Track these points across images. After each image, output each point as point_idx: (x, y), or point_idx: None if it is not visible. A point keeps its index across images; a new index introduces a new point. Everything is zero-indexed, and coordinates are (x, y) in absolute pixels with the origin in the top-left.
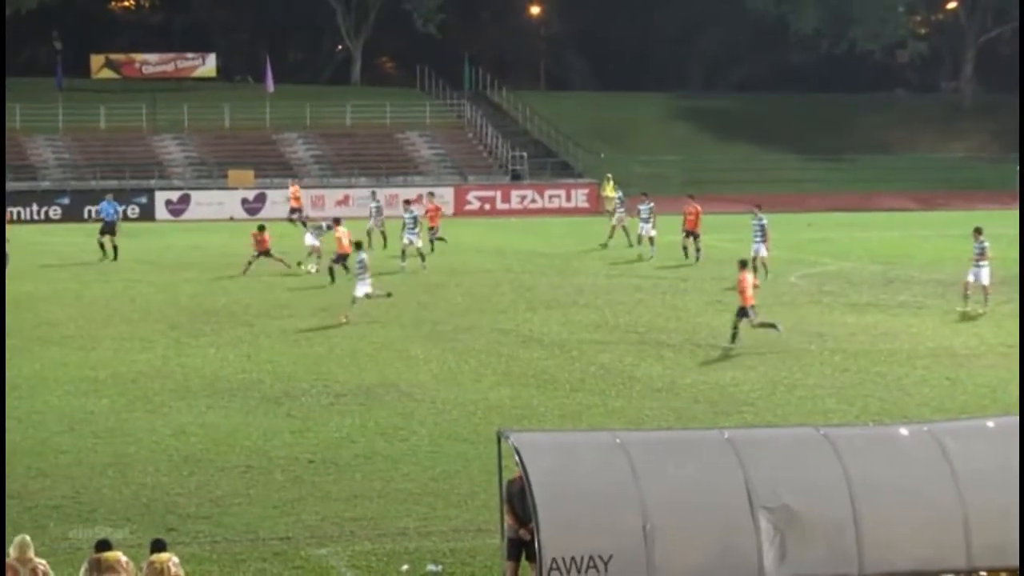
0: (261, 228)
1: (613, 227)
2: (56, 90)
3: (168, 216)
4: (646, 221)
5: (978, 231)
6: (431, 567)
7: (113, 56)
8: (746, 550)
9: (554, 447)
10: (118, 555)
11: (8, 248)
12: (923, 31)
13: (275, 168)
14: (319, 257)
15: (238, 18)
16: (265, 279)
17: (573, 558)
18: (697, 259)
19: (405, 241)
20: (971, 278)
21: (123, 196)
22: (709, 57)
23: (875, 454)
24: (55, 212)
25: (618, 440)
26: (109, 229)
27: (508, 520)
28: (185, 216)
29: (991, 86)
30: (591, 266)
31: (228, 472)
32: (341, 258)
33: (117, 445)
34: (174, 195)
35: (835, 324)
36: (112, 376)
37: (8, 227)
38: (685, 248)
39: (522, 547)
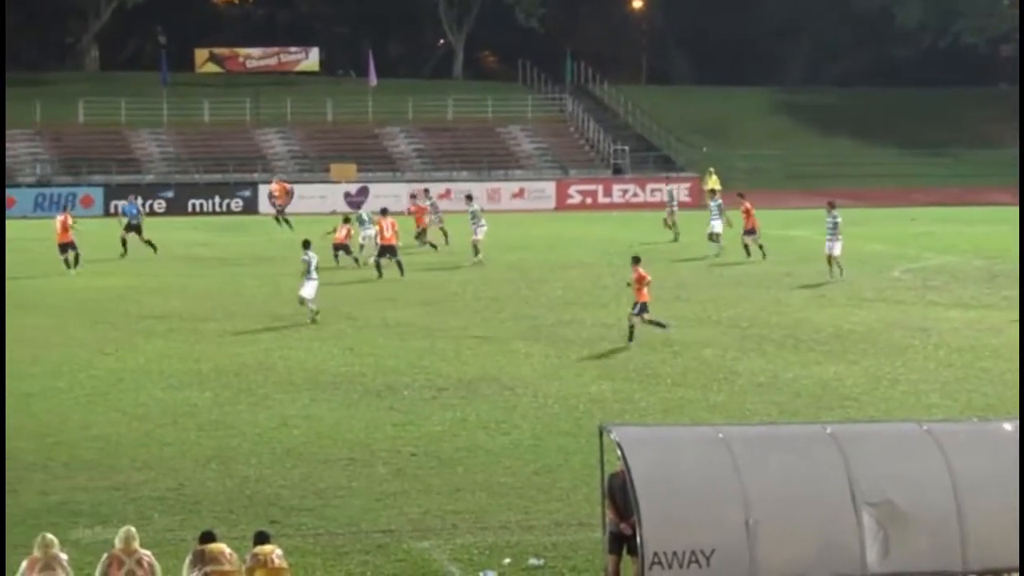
0: (346, 220)
1: (665, 221)
2: (161, 85)
3: (271, 209)
4: (716, 218)
5: None
6: (533, 561)
7: (217, 50)
8: (849, 545)
9: (656, 441)
10: (222, 547)
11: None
12: None
13: (377, 162)
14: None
15: (341, 12)
16: (368, 272)
17: (675, 552)
18: (763, 256)
19: (478, 237)
20: None
21: (227, 190)
22: (811, 51)
23: (979, 450)
24: (159, 206)
25: (720, 435)
26: (135, 228)
27: (610, 514)
28: (287, 210)
29: None
30: (693, 260)
31: (331, 465)
32: (386, 250)
33: (220, 438)
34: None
35: (939, 319)
36: (215, 369)
37: (116, 220)
38: (746, 247)
39: (624, 541)
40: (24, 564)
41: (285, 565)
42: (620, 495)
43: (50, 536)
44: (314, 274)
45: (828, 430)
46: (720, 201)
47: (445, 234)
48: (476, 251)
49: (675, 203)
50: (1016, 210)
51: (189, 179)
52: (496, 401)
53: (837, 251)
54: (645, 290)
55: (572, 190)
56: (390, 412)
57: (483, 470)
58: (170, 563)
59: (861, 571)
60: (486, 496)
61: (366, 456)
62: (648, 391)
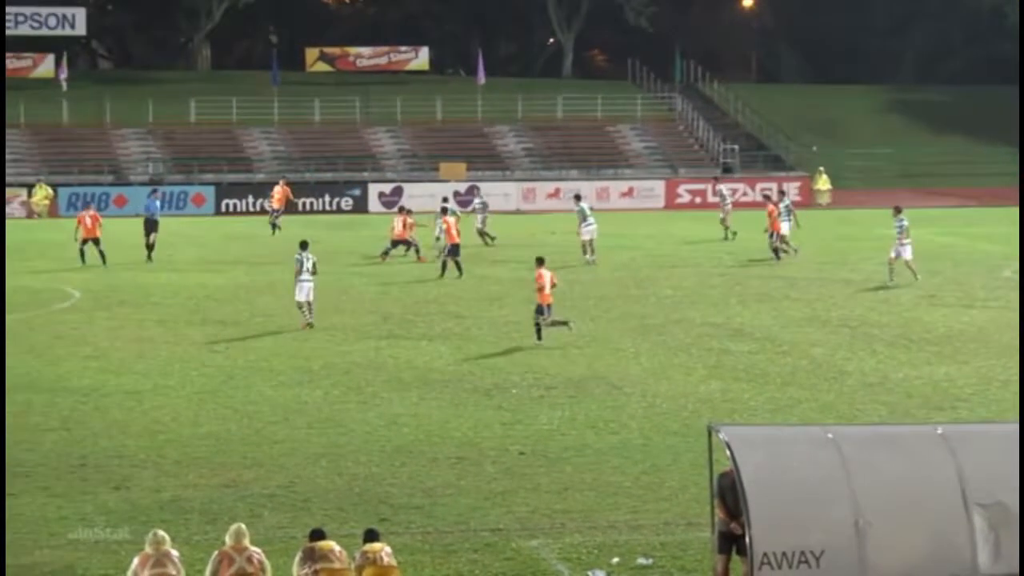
0: (408, 212)
1: (723, 221)
2: (272, 84)
3: (381, 208)
4: (785, 220)
5: None
6: (642, 560)
7: (327, 50)
8: (960, 547)
9: (765, 441)
10: (332, 544)
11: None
12: None
13: (486, 161)
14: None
15: (450, 11)
16: (477, 272)
17: (784, 553)
18: (796, 252)
19: (585, 237)
20: None
21: (337, 188)
22: (922, 49)
23: None
24: (270, 204)
25: (830, 435)
26: (154, 227)
27: (719, 514)
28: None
29: None
30: (802, 259)
31: (440, 463)
32: (453, 250)
33: (330, 435)
34: (387, 187)
35: None
36: (326, 367)
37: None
38: (775, 250)
39: (733, 541)
40: (136, 560)
41: (394, 563)
42: (730, 495)
43: (162, 533)
44: (306, 275)
45: (939, 431)
46: (789, 202)
47: (488, 236)
48: (585, 250)
49: (728, 203)
50: None
51: (300, 178)
52: (604, 400)
53: (908, 255)
54: (546, 292)
55: (681, 189)
56: (498, 411)
57: (591, 469)
58: (280, 560)
59: (972, 573)
60: (594, 495)
61: (474, 455)
62: (757, 391)
